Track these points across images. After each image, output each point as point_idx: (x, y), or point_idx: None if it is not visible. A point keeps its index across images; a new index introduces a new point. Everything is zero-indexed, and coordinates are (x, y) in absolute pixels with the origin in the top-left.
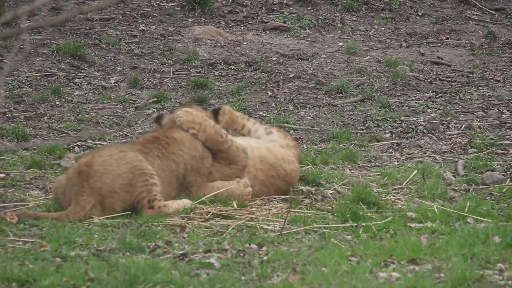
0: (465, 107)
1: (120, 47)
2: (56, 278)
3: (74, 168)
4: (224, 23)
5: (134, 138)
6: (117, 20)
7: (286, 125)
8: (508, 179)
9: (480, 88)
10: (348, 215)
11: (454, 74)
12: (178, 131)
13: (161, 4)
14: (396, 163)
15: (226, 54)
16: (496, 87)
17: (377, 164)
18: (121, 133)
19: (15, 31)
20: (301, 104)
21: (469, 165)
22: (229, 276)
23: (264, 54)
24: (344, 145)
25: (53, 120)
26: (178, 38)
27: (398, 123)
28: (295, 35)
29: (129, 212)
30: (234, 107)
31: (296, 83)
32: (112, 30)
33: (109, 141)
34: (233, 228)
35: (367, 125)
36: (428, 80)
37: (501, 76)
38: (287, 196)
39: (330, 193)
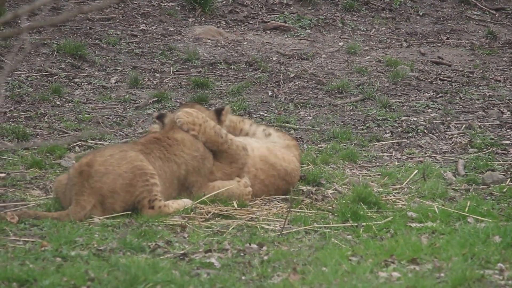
0: (465, 107)
1: (121, 46)
2: (57, 278)
3: (75, 168)
4: (224, 23)
5: (134, 138)
6: (117, 20)
7: (286, 125)
8: (509, 179)
9: (480, 88)
10: (349, 215)
11: (455, 74)
12: (179, 132)
13: (161, 4)
14: (396, 163)
15: (226, 54)
16: (497, 87)
17: (377, 164)
18: (121, 133)
19: (15, 31)
20: (301, 104)
21: (469, 165)
22: (230, 276)
23: (264, 54)
24: (345, 145)
25: (54, 120)
26: (179, 38)
27: (399, 123)
28: (296, 35)
29: (130, 212)
30: (234, 107)
31: (297, 83)
32: (112, 30)
33: (109, 141)
34: (233, 228)
35: (367, 125)
36: (429, 80)
37: (502, 76)
38: (287, 196)
39: (330, 193)
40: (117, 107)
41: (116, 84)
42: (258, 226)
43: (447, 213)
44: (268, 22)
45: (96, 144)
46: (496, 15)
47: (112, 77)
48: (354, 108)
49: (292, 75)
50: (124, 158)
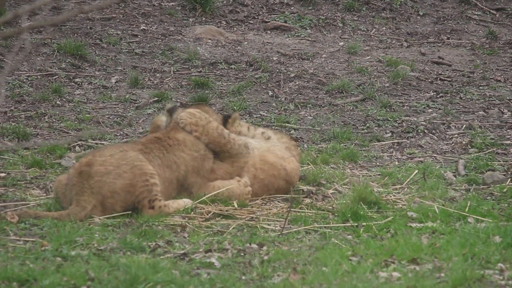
0: (465, 107)
1: (121, 46)
2: (57, 278)
3: (75, 168)
4: (225, 23)
5: (135, 138)
6: (118, 20)
7: (286, 125)
8: (509, 179)
9: (481, 88)
10: (349, 215)
11: (455, 74)
12: (181, 132)
13: (162, 3)
14: (396, 163)
15: (227, 53)
16: (497, 87)
17: (377, 164)
18: (121, 132)
19: (16, 31)
20: (301, 104)
21: (469, 165)
22: (230, 276)
23: (265, 54)
24: (345, 145)
25: (54, 120)
26: (179, 37)
27: (399, 123)
28: (296, 34)
29: (130, 212)
30: (235, 107)
31: (297, 83)
32: (113, 30)
33: (109, 140)
34: (233, 228)
35: (367, 124)
36: (429, 80)
37: (502, 76)
38: (288, 195)
39: (330, 193)
40: (118, 107)
41: (117, 84)
42: (258, 226)
43: (447, 213)
44: (269, 22)
45: (96, 144)
46: (497, 15)
47: (113, 77)
48: (355, 108)
49: (292, 75)
50: (124, 158)
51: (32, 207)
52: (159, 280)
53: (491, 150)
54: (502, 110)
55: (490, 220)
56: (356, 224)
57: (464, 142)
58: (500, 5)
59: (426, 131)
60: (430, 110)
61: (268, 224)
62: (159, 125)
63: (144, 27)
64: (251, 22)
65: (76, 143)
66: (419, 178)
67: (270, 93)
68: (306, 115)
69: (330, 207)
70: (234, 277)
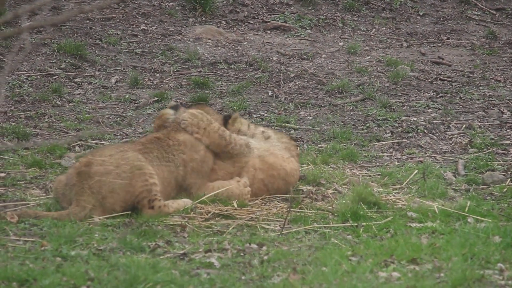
0: (465, 107)
1: (121, 46)
2: (57, 278)
3: (74, 168)
4: (225, 23)
5: (134, 138)
6: (117, 20)
7: (286, 125)
8: (509, 179)
9: (480, 88)
10: (349, 215)
11: (455, 74)
12: (181, 133)
13: (162, 3)
14: (396, 163)
15: (226, 53)
16: (497, 87)
17: (377, 164)
18: (121, 132)
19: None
20: (301, 104)
21: (469, 165)
22: (230, 276)
23: (264, 54)
24: (345, 145)
25: (54, 120)
26: (179, 37)
27: (399, 123)
28: (296, 34)
29: (130, 212)
30: (235, 107)
31: (297, 83)
32: (112, 30)
33: (109, 140)
34: (233, 228)
35: (367, 124)
36: (429, 80)
37: (502, 76)
38: (287, 195)
39: (330, 193)
40: (117, 107)
41: (116, 84)
42: (258, 226)
43: (447, 213)
44: (269, 22)
45: (96, 144)
46: (497, 15)
47: (112, 76)
48: (354, 108)
49: (292, 75)
50: (123, 158)
51: (32, 207)
52: (159, 280)
53: (490, 150)
54: (502, 110)
55: (490, 220)
56: (355, 224)
57: (464, 142)
58: (500, 5)
59: (426, 131)
60: (430, 110)
61: (268, 224)
62: (167, 119)
63: (144, 27)
64: (251, 22)
65: (76, 143)
66: (419, 178)
67: (270, 93)
68: (306, 115)
69: (330, 207)
70: (234, 277)
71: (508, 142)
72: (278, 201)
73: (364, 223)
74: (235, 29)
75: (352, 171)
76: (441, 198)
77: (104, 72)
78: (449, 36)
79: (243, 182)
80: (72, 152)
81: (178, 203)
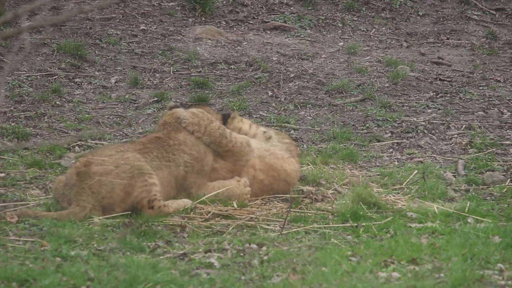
0: (465, 107)
1: (121, 46)
2: (56, 278)
3: (74, 168)
4: (224, 23)
5: (134, 138)
6: (117, 20)
7: (286, 125)
8: (509, 179)
9: (480, 88)
10: (348, 215)
11: (455, 74)
12: (182, 132)
13: (161, 3)
14: (396, 163)
15: (226, 54)
16: (497, 87)
17: (377, 164)
18: (121, 132)
19: (15, 31)
20: (301, 104)
21: (469, 165)
22: (229, 276)
23: (264, 54)
24: (345, 145)
25: (54, 120)
26: (179, 37)
27: (399, 123)
28: (296, 35)
29: (129, 212)
30: (234, 107)
31: (297, 83)
32: (112, 30)
33: (109, 140)
34: (233, 228)
35: (367, 125)
36: (429, 80)
37: (502, 76)
38: (287, 195)
39: (330, 193)
40: (117, 107)
41: (116, 84)
42: (258, 226)
43: (447, 214)
44: (268, 22)
45: (96, 144)
46: (496, 16)
47: (112, 77)
48: (354, 108)
49: (292, 75)
50: (122, 159)
51: (32, 207)
52: (159, 280)
53: (490, 150)
54: (501, 110)
55: (490, 221)
56: (355, 224)
57: (463, 143)
58: (500, 5)
59: (425, 131)
60: (429, 111)
61: (268, 224)
62: (178, 117)
63: (144, 27)
64: (250, 22)
65: (75, 143)
66: (419, 179)
67: (270, 93)
68: (305, 115)
69: (330, 208)
70: (234, 277)
71: (508, 142)
72: (278, 202)
73: (364, 223)
74: (235, 29)
75: (352, 171)
76: (441, 198)
77: (104, 72)
78: (449, 36)
79: (243, 182)
80: (72, 152)
81: (178, 203)
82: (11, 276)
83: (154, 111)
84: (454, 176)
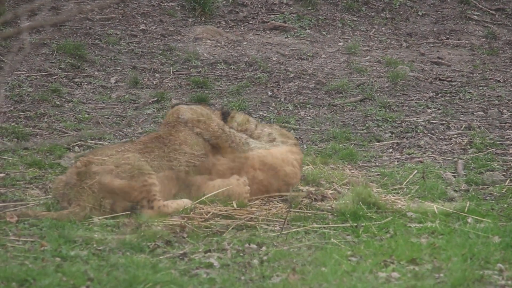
0: (465, 107)
1: (120, 46)
2: (56, 278)
3: (74, 168)
4: (224, 23)
5: (134, 138)
6: (117, 20)
7: (286, 125)
8: (508, 179)
9: (480, 88)
10: (348, 215)
11: (454, 74)
12: (182, 130)
13: (161, 3)
14: (396, 163)
15: (226, 54)
16: (496, 87)
17: (377, 164)
18: (121, 132)
19: (15, 31)
20: (301, 104)
21: (469, 165)
22: (229, 276)
23: (264, 54)
24: (344, 145)
25: (53, 120)
26: (179, 38)
27: (398, 123)
28: (295, 35)
29: (129, 212)
30: (234, 107)
31: (296, 83)
32: (112, 30)
33: (109, 140)
34: (233, 228)
35: (367, 125)
36: (428, 80)
37: (501, 76)
38: (287, 194)
39: (330, 193)
40: (117, 107)
41: (116, 84)
42: (257, 226)
43: (446, 213)
44: (268, 22)
45: (95, 144)
46: (496, 15)
47: (112, 77)
48: (354, 108)
49: (292, 75)
50: (122, 159)
51: (32, 207)
52: (159, 280)
53: (490, 150)
54: (501, 110)
55: (490, 221)
56: (355, 224)
57: (463, 143)
58: (500, 5)
59: (425, 131)
60: (429, 111)
61: (268, 224)
62: (178, 115)
63: (144, 27)
64: (250, 22)
65: (75, 143)
66: (419, 179)
67: (270, 93)
68: (305, 115)
69: (330, 208)
70: (234, 277)
71: (507, 142)
72: (277, 202)
73: (364, 223)
74: (234, 29)
75: (352, 171)
76: (440, 198)
77: (103, 72)
78: (448, 36)
79: (242, 181)
80: (72, 152)
81: (177, 203)
82: (10, 276)
83: (154, 111)
84: (454, 176)
